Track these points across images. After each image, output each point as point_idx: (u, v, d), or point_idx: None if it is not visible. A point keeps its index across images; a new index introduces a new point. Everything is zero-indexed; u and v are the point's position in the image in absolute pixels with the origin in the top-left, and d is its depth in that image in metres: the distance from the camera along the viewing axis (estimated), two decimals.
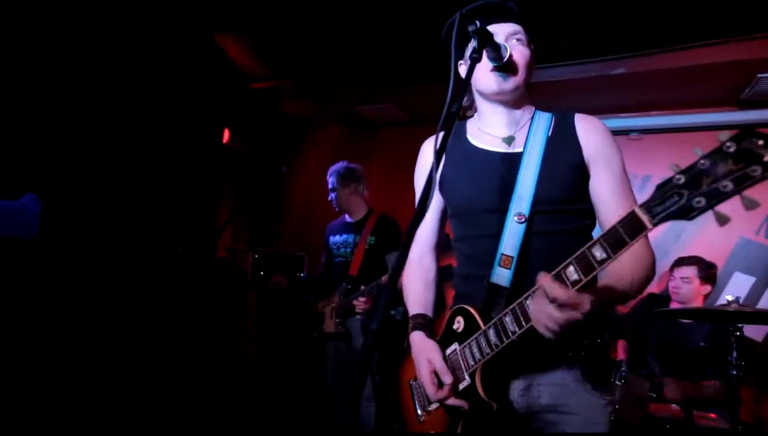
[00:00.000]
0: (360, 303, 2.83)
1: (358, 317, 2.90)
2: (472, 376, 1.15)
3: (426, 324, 1.34)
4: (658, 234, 3.52)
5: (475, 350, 1.14)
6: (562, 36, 2.87)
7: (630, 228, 0.87)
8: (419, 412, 1.32)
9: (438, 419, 1.26)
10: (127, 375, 2.79)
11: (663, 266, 3.40)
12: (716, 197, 0.76)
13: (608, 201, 1.21)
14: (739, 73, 2.92)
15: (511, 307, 1.07)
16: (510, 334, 1.06)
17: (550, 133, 1.28)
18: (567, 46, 2.96)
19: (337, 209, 3.15)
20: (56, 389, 2.54)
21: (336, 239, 3.12)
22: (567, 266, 0.96)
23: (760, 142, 0.72)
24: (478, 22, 1.12)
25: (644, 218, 0.85)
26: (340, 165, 3.17)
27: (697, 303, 2.95)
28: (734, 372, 2.13)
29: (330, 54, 3.50)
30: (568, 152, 1.24)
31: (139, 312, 2.89)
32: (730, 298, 2.21)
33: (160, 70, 3.22)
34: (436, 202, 1.45)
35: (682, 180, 0.80)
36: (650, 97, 3.36)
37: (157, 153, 3.22)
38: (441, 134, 1.07)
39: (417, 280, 1.43)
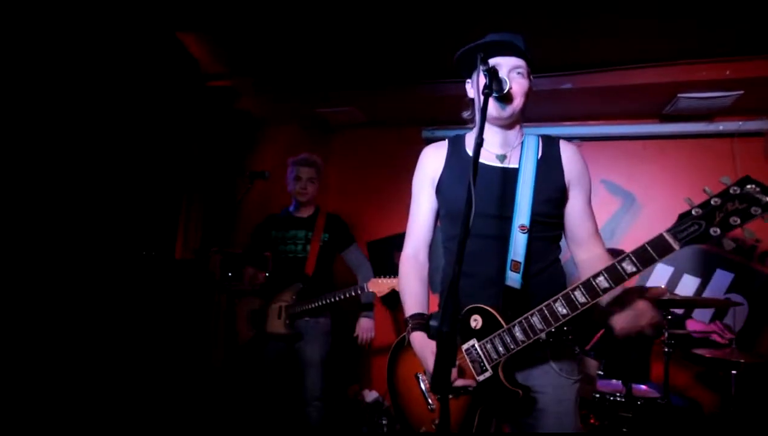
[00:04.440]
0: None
1: (307, 318, 2.87)
2: (494, 368, 1.30)
3: (425, 324, 1.49)
4: None
5: (499, 345, 1.30)
6: None
7: (659, 248, 1.10)
8: (429, 401, 1.45)
9: (452, 409, 1.36)
10: (98, 379, 2.71)
11: None
12: (727, 228, 1.02)
13: (580, 216, 1.50)
14: (663, 92, 3.39)
15: (538, 308, 1.25)
16: (537, 331, 1.24)
17: (539, 156, 1.52)
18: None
19: (301, 201, 3.04)
20: (18, 394, 2.42)
21: (281, 233, 3.03)
22: (597, 276, 1.17)
23: (758, 189, 1.01)
24: (490, 62, 1.33)
25: (672, 241, 1.08)
26: (316, 157, 3.08)
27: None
28: (667, 349, 2.55)
29: (298, 56, 3.53)
30: (555, 175, 1.49)
31: (109, 316, 2.80)
32: (662, 287, 2.63)
33: (122, 67, 3.10)
34: (432, 203, 1.61)
35: (700, 213, 1.05)
36: (591, 109, 3.78)
37: (114, 151, 3.11)
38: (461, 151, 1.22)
39: (413, 277, 1.57)
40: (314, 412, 2.83)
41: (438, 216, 1.64)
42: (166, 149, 3.57)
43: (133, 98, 3.24)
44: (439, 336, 0.91)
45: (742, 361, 2.58)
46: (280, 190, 3.17)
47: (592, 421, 2.82)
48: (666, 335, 2.57)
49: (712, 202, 1.05)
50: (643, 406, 2.68)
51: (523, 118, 1.59)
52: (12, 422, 2.37)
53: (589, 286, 1.18)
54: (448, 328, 0.91)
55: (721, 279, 3.64)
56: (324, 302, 2.83)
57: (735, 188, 1.03)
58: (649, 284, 3.73)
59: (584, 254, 1.48)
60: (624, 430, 2.71)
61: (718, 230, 1.03)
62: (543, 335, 1.25)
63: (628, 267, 1.13)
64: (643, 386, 2.97)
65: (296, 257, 2.95)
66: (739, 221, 1.01)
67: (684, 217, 1.08)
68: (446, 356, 0.88)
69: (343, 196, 4.55)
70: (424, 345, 1.40)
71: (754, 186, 1.01)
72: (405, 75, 3.64)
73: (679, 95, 3.37)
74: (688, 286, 3.69)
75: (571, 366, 1.45)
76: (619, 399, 2.72)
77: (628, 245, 3.93)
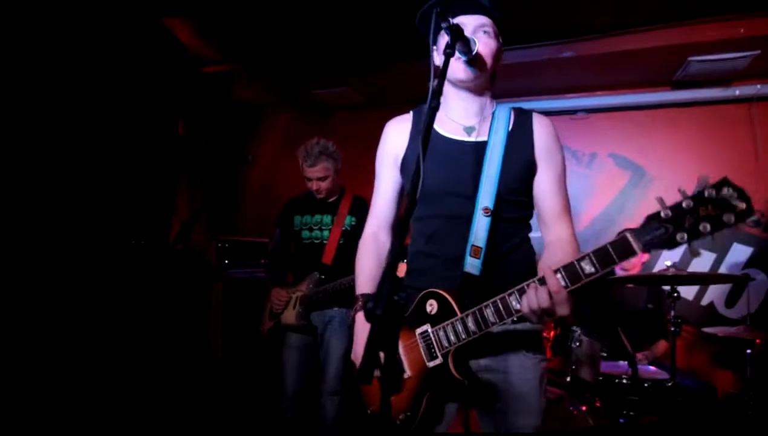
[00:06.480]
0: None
1: (336, 308, 2.66)
2: (445, 356, 1.24)
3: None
4: (604, 207, 3.81)
5: (451, 334, 1.23)
6: (515, 21, 2.99)
7: (620, 250, 1.00)
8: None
9: (401, 393, 1.32)
10: (93, 372, 2.72)
11: (610, 234, 3.68)
12: (696, 235, 0.93)
13: (548, 194, 1.38)
14: (672, 56, 3.17)
15: (492, 300, 1.17)
16: (489, 324, 1.17)
17: (510, 128, 1.39)
18: (520, 31, 3.09)
19: (321, 196, 2.73)
20: (14, 385, 2.44)
21: (306, 218, 2.77)
22: (555, 273, 1.07)
23: (735, 194, 0.91)
24: (450, 19, 1.19)
25: (634, 244, 0.99)
26: (327, 146, 2.69)
27: (636, 270, 3.25)
28: (673, 329, 2.40)
29: (289, 38, 3.43)
30: (524, 149, 1.37)
31: (102, 307, 2.79)
32: (668, 263, 2.47)
33: (109, 55, 3.05)
34: (394, 182, 1.51)
35: (669, 215, 0.96)
36: (595, 78, 3.58)
37: (109, 143, 3.07)
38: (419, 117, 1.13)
39: (370, 257, 1.49)
40: (331, 406, 2.65)
41: (402, 195, 1.54)
42: (159, 136, 3.53)
43: (123, 85, 3.19)
44: (372, 318, 0.82)
45: (758, 340, 2.42)
46: (282, 176, 3.01)
47: (597, 404, 2.71)
48: (672, 314, 2.42)
49: (683, 204, 0.95)
50: (650, 388, 2.55)
51: (493, 86, 1.46)
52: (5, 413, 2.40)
53: (544, 283, 1.09)
54: (381, 310, 0.82)
55: (739, 253, 3.45)
56: (334, 290, 2.58)
57: (711, 191, 0.93)
58: (661, 259, 3.56)
59: (551, 235, 1.38)
60: (631, 413, 2.60)
61: (685, 236, 0.94)
62: (494, 329, 1.17)
63: (587, 267, 1.04)
64: (651, 368, 2.83)
65: (320, 244, 2.72)
66: (709, 229, 0.92)
67: (651, 219, 0.98)
68: (377, 340, 0.80)
69: (342, 178, 4.48)
70: (362, 329, 1.34)
71: (731, 190, 0.92)
72: (397, 52, 3.50)
73: (689, 58, 3.15)
74: (702, 261, 3.51)
75: (536, 344, 1.37)
76: (624, 381, 2.60)
77: (639, 219, 3.77)
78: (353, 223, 2.74)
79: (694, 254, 0.96)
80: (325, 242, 2.71)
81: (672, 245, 0.96)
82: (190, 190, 4.07)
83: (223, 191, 3.09)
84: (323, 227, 2.75)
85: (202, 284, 3.44)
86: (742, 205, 0.91)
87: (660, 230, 0.96)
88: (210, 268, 3.44)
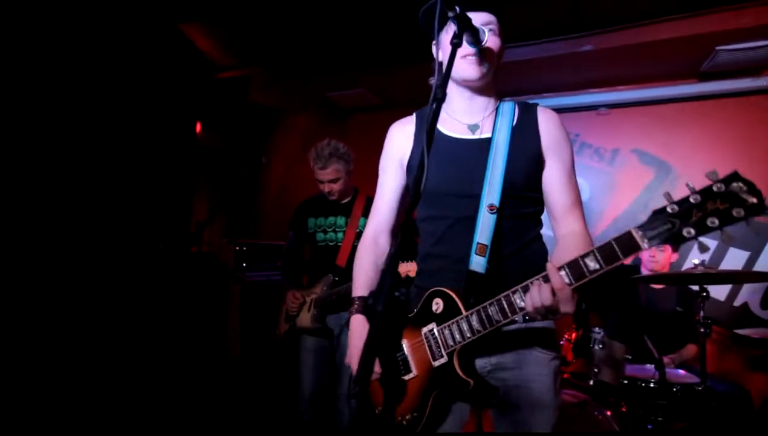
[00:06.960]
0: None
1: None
2: (450, 355, 1.22)
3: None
4: (627, 205, 3.68)
5: (456, 332, 1.21)
6: (530, 15, 2.92)
7: (625, 246, 0.98)
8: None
9: (408, 393, 1.30)
10: (112, 373, 2.76)
11: None
12: (703, 230, 0.91)
13: (557, 188, 1.34)
14: (699, 47, 3.05)
15: (497, 298, 1.15)
16: (494, 322, 1.15)
17: (514, 123, 1.36)
18: (536, 25, 3.02)
19: (333, 198, 2.69)
20: (34, 385, 2.49)
21: (320, 220, 2.75)
22: (558, 270, 1.05)
23: (745, 188, 0.88)
24: (457, 8, 1.15)
25: (639, 239, 0.97)
26: (338, 147, 2.63)
27: (664, 269, 3.12)
28: (702, 330, 2.29)
29: (302, 41, 3.44)
30: (530, 143, 1.33)
31: (121, 310, 2.84)
32: (696, 261, 2.36)
33: (127, 62, 3.11)
34: (397, 185, 1.48)
35: (676, 210, 0.93)
36: (617, 72, 3.46)
37: (128, 148, 3.13)
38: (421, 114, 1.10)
39: (368, 261, 1.47)
40: (348, 409, 2.57)
41: (405, 198, 1.51)
42: (177, 141, 3.58)
43: (140, 90, 3.25)
44: (372, 315, 0.79)
45: None
46: (300, 179, 3.00)
47: (623, 409, 2.61)
48: (701, 314, 2.30)
49: (691, 199, 0.92)
50: (679, 393, 2.43)
51: (496, 84, 1.42)
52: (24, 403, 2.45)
53: (548, 280, 1.07)
54: (382, 307, 0.79)
55: None
56: (347, 291, 2.51)
57: (719, 185, 0.90)
58: (689, 258, 3.42)
59: (562, 229, 1.34)
60: (659, 419, 2.49)
61: (693, 231, 0.92)
62: (498, 327, 1.15)
63: (591, 264, 1.02)
64: (680, 371, 2.71)
65: (335, 246, 2.69)
66: (717, 223, 0.90)
67: (658, 213, 0.96)
68: (378, 338, 0.76)
69: (360, 180, 4.48)
70: (362, 329, 1.30)
71: (740, 184, 0.89)
72: (410, 53, 3.46)
73: (717, 48, 3.01)
74: (735, 260, 3.35)
75: (550, 341, 1.34)
76: (652, 385, 2.49)
77: None
78: (365, 225, 2.70)
79: (702, 249, 0.93)
80: (339, 244, 2.69)
81: (679, 240, 0.93)
82: (209, 194, 4.13)
83: (238, 194, 3.09)
84: (337, 229, 2.72)
85: (221, 287, 3.47)
86: (753, 200, 0.87)
87: (666, 225, 0.94)
88: (228, 271, 3.46)
